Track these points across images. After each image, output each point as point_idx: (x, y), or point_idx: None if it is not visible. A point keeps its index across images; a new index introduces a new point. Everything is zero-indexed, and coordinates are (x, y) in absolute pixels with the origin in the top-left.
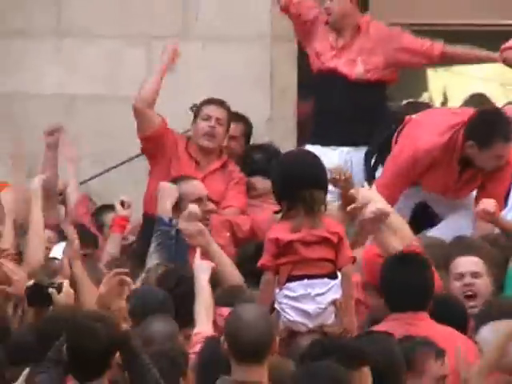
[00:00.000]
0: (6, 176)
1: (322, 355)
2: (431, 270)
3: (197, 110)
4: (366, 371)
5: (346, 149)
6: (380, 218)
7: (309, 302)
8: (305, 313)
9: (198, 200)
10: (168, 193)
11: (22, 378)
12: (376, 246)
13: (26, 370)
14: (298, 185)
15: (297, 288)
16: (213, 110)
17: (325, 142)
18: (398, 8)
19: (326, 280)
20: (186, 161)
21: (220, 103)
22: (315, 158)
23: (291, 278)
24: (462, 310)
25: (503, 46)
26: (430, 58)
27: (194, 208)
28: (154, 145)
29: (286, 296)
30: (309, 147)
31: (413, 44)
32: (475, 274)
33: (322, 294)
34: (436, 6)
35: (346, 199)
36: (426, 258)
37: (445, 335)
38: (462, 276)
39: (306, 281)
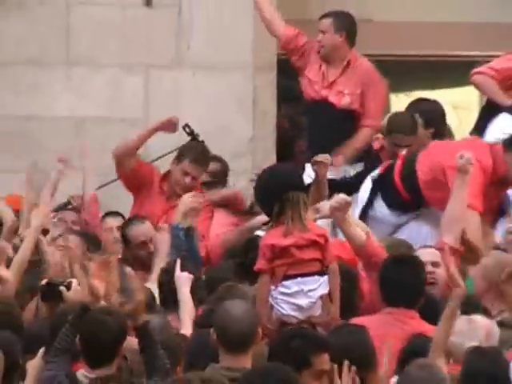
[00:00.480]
0: (21, 190)
1: (291, 338)
2: (424, 271)
3: (181, 154)
4: (326, 357)
5: (341, 167)
6: (344, 206)
7: (302, 297)
8: (298, 307)
9: (143, 243)
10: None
11: (39, 355)
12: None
13: (42, 349)
14: (284, 188)
15: (291, 285)
16: (193, 169)
17: None
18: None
19: (316, 277)
20: (157, 194)
21: (201, 163)
22: (292, 167)
23: (286, 277)
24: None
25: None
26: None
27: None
28: (129, 183)
29: (282, 293)
30: (308, 167)
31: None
32: (435, 264)
33: (314, 289)
34: (416, 39)
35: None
36: (420, 261)
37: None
38: None
39: (299, 279)
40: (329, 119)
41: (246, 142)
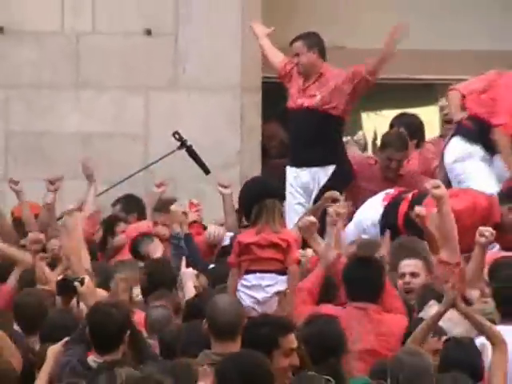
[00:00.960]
0: (38, 196)
1: (259, 326)
2: (383, 270)
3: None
4: (292, 336)
5: (314, 169)
6: (309, 227)
7: (259, 291)
8: (255, 299)
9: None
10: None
11: (61, 343)
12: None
13: (66, 338)
14: (261, 196)
15: (251, 279)
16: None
17: (297, 164)
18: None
19: (273, 275)
20: None
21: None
22: (271, 178)
23: (248, 272)
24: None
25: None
26: (359, 77)
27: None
28: None
29: (243, 285)
30: (288, 169)
31: (347, 77)
32: (414, 274)
33: (271, 285)
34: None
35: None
36: (380, 261)
37: (395, 322)
38: (403, 275)
39: (258, 274)
40: (306, 122)
41: (234, 155)
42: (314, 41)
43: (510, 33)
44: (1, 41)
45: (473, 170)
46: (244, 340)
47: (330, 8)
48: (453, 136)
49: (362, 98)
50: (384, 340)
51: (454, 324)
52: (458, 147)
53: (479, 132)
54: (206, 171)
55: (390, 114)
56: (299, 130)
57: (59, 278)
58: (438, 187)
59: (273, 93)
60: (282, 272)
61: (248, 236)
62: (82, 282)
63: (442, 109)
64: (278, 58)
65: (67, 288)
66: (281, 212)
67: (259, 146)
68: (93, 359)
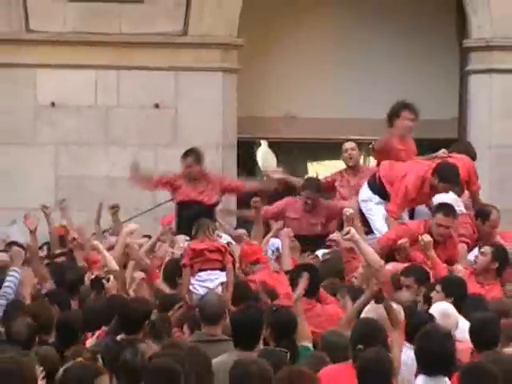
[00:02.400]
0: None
1: (244, 312)
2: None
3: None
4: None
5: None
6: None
7: (210, 283)
8: (208, 289)
9: None
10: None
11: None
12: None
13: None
14: (196, 218)
15: (203, 275)
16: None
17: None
18: (303, 130)
19: (218, 271)
20: None
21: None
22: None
23: (201, 270)
24: None
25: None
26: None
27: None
28: None
29: (197, 279)
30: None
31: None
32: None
33: (217, 278)
34: (320, 129)
35: None
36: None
37: (330, 312)
38: None
39: (208, 271)
40: (197, 212)
41: None
42: (198, 155)
43: (374, 103)
44: (53, 112)
45: (374, 211)
46: (233, 325)
47: (287, 83)
48: (368, 180)
49: (306, 152)
50: None
51: (368, 311)
52: (364, 191)
53: (379, 189)
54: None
55: (335, 165)
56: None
57: (92, 277)
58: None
59: (245, 149)
60: (223, 269)
61: (198, 244)
62: (108, 280)
63: (346, 150)
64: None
65: (97, 285)
66: (213, 228)
67: None
68: (120, 337)
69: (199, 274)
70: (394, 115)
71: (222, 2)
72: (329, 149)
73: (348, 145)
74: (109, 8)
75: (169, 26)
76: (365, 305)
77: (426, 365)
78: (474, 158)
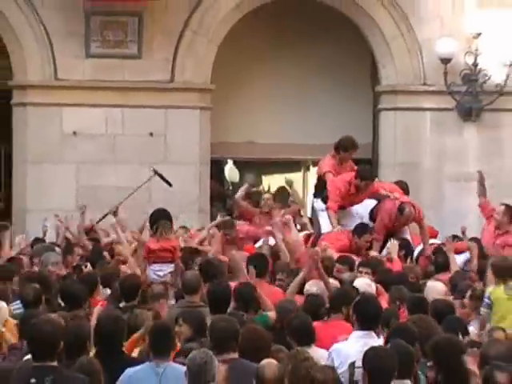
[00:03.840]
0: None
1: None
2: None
3: None
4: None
5: None
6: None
7: (160, 272)
8: (160, 276)
9: None
10: None
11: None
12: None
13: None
14: (158, 218)
15: (156, 266)
16: None
17: None
18: (261, 152)
19: (169, 264)
20: None
21: None
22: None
23: (155, 262)
24: None
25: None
26: None
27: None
28: None
29: (152, 269)
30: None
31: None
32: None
33: (166, 268)
34: (274, 150)
35: None
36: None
37: (273, 293)
38: None
39: (160, 264)
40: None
41: (195, 198)
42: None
43: (310, 131)
44: (74, 139)
45: (320, 211)
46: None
47: (247, 117)
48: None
49: (268, 169)
50: None
51: (309, 285)
52: (313, 198)
53: (322, 193)
54: (170, 185)
55: (286, 176)
56: None
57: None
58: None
59: (216, 166)
60: (172, 262)
61: (153, 244)
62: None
63: (265, 200)
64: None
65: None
66: (170, 229)
67: (208, 194)
68: (122, 304)
69: (153, 265)
70: (344, 149)
71: (198, 58)
72: (278, 166)
73: (266, 196)
74: (116, 62)
75: (160, 75)
76: (303, 279)
77: (362, 322)
78: (405, 190)
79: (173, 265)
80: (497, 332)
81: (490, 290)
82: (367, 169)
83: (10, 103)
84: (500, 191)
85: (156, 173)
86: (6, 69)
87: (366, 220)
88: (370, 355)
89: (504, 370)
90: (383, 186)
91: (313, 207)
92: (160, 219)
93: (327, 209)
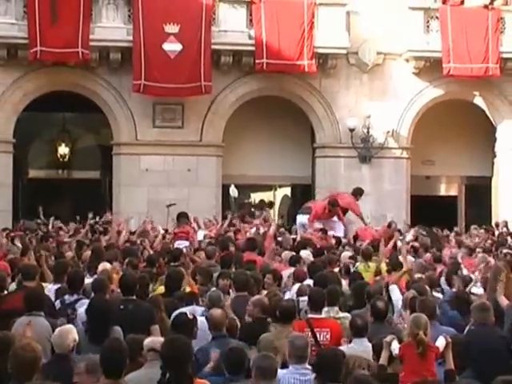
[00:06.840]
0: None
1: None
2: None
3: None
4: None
5: None
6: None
7: (180, 245)
8: (179, 247)
9: None
10: None
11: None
12: None
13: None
14: (179, 217)
15: (178, 241)
16: None
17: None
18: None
19: (186, 241)
20: None
21: None
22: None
23: (177, 239)
24: None
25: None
26: None
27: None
28: None
29: (177, 243)
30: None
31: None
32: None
33: (182, 243)
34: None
35: None
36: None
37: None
38: None
39: (179, 241)
40: None
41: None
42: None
43: (272, 166)
44: (146, 173)
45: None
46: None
47: (243, 160)
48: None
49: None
50: None
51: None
52: (298, 215)
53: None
54: (174, 204)
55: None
56: None
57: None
58: None
59: (225, 188)
60: (186, 239)
61: (176, 230)
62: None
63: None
64: None
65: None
66: (185, 222)
67: (220, 203)
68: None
69: (178, 241)
70: (360, 195)
71: (215, 128)
72: (259, 188)
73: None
74: (169, 131)
75: (193, 137)
76: None
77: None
78: (356, 195)
79: (187, 242)
80: None
81: None
82: (335, 202)
83: (112, 153)
84: (380, 206)
85: (168, 206)
86: (108, 133)
87: (340, 225)
88: None
89: None
90: (340, 196)
91: (296, 220)
92: (180, 217)
93: (308, 220)
